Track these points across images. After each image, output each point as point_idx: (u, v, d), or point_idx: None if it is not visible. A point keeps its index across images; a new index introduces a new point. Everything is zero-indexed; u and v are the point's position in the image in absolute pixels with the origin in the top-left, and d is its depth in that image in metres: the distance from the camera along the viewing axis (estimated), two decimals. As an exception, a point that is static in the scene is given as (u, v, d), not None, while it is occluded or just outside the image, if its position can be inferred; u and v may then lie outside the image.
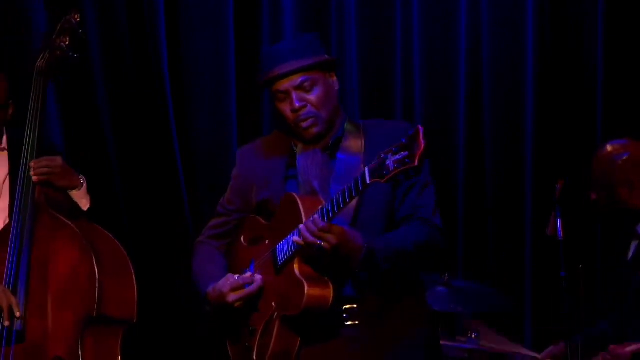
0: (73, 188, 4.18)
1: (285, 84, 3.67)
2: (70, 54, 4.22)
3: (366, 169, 3.35)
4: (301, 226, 3.47)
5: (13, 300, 3.96)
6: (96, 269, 3.92)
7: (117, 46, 5.66)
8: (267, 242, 3.75)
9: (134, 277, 4.04)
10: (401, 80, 6.04)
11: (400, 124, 3.92)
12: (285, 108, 3.69)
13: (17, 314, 3.93)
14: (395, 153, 3.26)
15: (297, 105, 3.66)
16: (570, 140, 5.87)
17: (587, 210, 4.85)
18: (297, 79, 3.66)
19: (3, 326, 3.95)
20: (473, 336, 5.16)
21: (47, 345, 3.93)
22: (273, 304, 3.66)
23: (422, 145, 3.20)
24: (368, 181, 3.34)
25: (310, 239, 3.44)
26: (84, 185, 4.19)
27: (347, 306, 3.62)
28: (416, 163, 3.21)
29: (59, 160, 4.14)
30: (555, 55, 5.94)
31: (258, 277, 3.69)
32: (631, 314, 4.50)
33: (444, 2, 6.05)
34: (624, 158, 4.58)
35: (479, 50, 6.02)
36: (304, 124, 3.68)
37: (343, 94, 5.96)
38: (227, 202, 3.95)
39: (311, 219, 3.47)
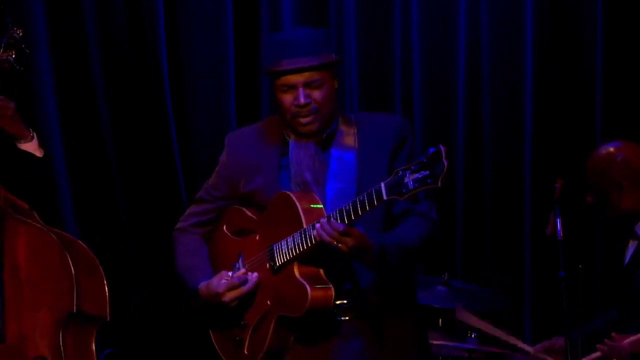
0: (22, 138, 4.16)
1: (295, 79, 3.63)
2: (17, 67, 4.20)
3: (382, 184, 3.34)
4: (317, 226, 3.46)
5: None
6: (71, 265, 3.91)
7: (117, 47, 5.66)
8: (257, 237, 3.73)
9: (104, 276, 4.02)
10: (400, 80, 6.04)
11: (392, 118, 3.91)
12: (288, 100, 3.66)
13: None
14: (414, 171, 3.25)
15: (303, 101, 3.63)
16: (570, 139, 5.87)
17: (586, 214, 4.84)
18: (308, 76, 3.63)
19: None
20: (473, 336, 5.16)
21: (27, 346, 3.93)
22: (268, 302, 3.66)
23: (446, 167, 3.19)
24: (385, 197, 3.34)
25: (327, 239, 3.44)
26: (35, 138, 4.16)
27: (338, 302, 3.62)
28: (439, 185, 3.21)
29: (12, 104, 4.12)
30: (555, 54, 5.94)
31: (254, 275, 3.69)
32: (631, 314, 4.50)
33: (444, 1, 6.05)
34: (616, 160, 4.57)
35: (479, 49, 6.02)
36: (304, 120, 3.66)
37: (342, 93, 5.99)
38: (212, 188, 3.90)
39: (329, 220, 3.44)
